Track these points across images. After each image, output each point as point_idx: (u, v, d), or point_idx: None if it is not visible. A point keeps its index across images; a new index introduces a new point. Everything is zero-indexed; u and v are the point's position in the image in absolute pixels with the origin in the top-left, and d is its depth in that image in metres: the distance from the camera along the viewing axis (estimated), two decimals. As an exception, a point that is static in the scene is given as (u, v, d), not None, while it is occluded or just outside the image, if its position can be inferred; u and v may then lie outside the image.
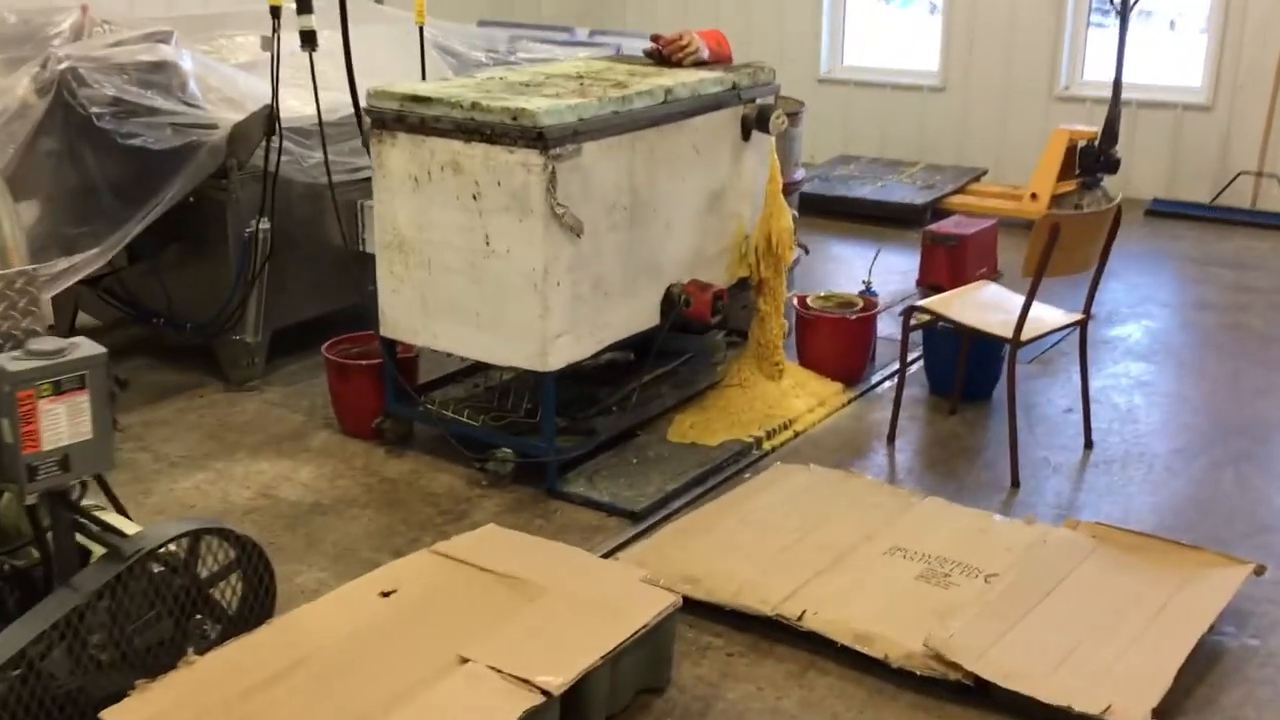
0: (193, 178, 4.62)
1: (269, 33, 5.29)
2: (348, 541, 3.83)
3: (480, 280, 4.04)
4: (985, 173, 8.39)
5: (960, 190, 7.99)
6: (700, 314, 4.39)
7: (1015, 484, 4.20)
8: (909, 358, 5.18)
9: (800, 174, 5.63)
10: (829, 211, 7.83)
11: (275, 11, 4.45)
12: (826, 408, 4.84)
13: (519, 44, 6.29)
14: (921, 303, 4.41)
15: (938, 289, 6.17)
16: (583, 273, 4.02)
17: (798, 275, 6.13)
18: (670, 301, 4.42)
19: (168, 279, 5.08)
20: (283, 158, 4.77)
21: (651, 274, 4.33)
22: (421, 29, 5.36)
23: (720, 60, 4.85)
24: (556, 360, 4.01)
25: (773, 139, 4.68)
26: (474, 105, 3.88)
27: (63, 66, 4.23)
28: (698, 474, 4.24)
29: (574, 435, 4.29)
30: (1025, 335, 4.13)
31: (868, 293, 5.30)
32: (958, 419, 4.79)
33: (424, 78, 5.38)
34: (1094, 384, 5.08)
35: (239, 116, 4.66)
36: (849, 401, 4.93)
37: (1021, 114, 8.53)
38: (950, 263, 6.24)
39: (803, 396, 4.84)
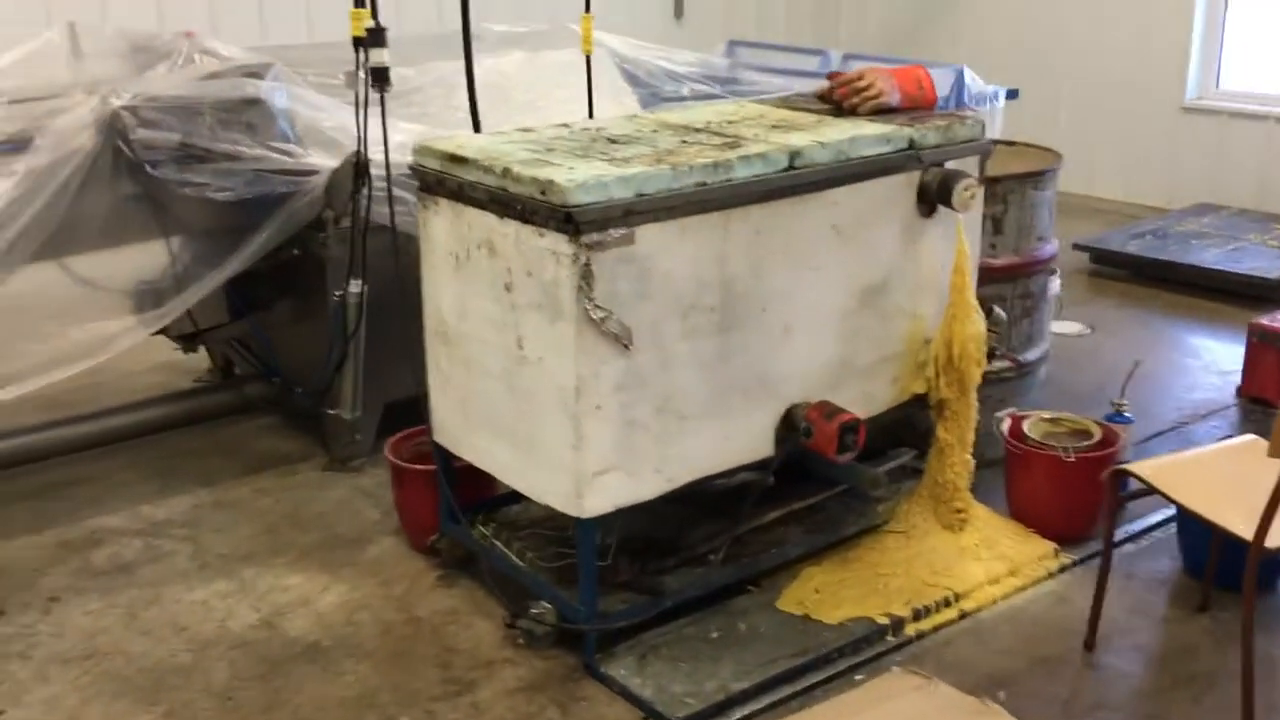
0: (282, 231, 4.05)
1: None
2: (312, 709, 3.08)
3: (514, 391, 3.17)
4: (1391, 238, 6.52)
5: (1345, 261, 6.20)
6: (821, 448, 3.30)
7: (1246, 756, 2.84)
8: (1153, 519, 3.86)
9: (1050, 249, 4.32)
10: (1159, 279, 6.30)
11: (359, 43, 3.76)
12: (1020, 579, 3.58)
13: (739, 73, 5.32)
14: (1132, 466, 3.09)
15: (1264, 405, 4.68)
16: (640, 392, 3.05)
17: (1070, 371, 4.85)
18: (791, 425, 3.36)
19: (278, 338, 4.56)
20: (397, 209, 4.08)
21: (759, 391, 3.29)
22: (589, 59, 4.52)
23: (919, 107, 3.71)
24: (596, 504, 3.07)
25: (961, 217, 3.49)
26: (505, 172, 3.01)
27: (119, 103, 3.73)
28: (788, 668, 3.16)
29: (637, 593, 3.33)
30: (1277, 540, 2.75)
31: (1116, 419, 3.94)
32: (1207, 621, 3.40)
33: (590, 116, 4.55)
34: None
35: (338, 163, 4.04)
36: (1059, 571, 3.64)
37: None
38: (1283, 371, 4.69)
39: (988, 559, 3.61)
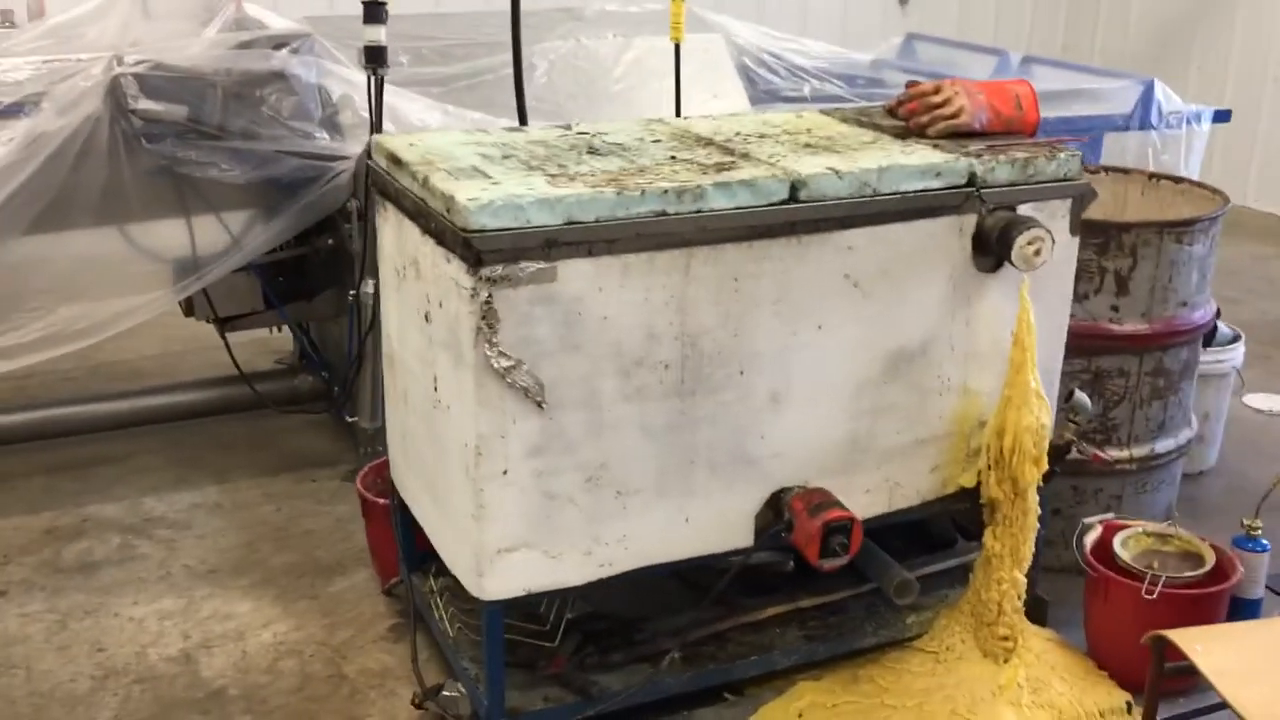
0: (301, 219, 3.72)
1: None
2: (172, 773, 2.73)
3: (434, 439, 2.70)
4: None
5: None
6: (800, 548, 2.67)
7: None
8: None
9: (1201, 316, 3.46)
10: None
11: (371, 13, 3.34)
12: (1067, 736, 2.84)
13: (885, 72, 4.61)
14: (1175, 635, 2.31)
15: None
16: (563, 460, 2.51)
17: (1253, 460, 4.00)
18: (778, 512, 2.74)
19: (322, 332, 4.26)
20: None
21: (734, 469, 2.68)
22: (678, 49, 3.95)
23: (1013, 131, 2.98)
24: (499, 585, 2.56)
25: (1025, 277, 2.75)
26: (425, 182, 2.53)
27: (120, 70, 3.46)
28: (717, 819, 2.58)
29: (568, 689, 2.80)
30: (1342, 778, 1.96)
31: (1245, 545, 3.10)
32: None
33: (678, 113, 4.00)
34: None
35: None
36: (1123, 732, 2.88)
37: None
38: None
39: (1030, 705, 2.88)
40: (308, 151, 3.63)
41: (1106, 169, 3.85)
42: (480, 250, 2.33)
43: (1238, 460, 4.22)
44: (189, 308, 4.04)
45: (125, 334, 4.92)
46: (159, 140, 3.48)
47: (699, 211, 2.49)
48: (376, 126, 3.47)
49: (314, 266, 4.01)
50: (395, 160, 2.71)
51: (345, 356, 4.01)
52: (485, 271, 2.35)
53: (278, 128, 3.61)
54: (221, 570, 3.51)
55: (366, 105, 3.74)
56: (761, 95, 4.39)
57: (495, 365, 2.39)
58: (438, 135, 2.96)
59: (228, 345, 4.08)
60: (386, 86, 3.76)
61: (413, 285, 2.68)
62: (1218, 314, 4.08)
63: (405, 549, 3.11)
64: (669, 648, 2.85)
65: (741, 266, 2.55)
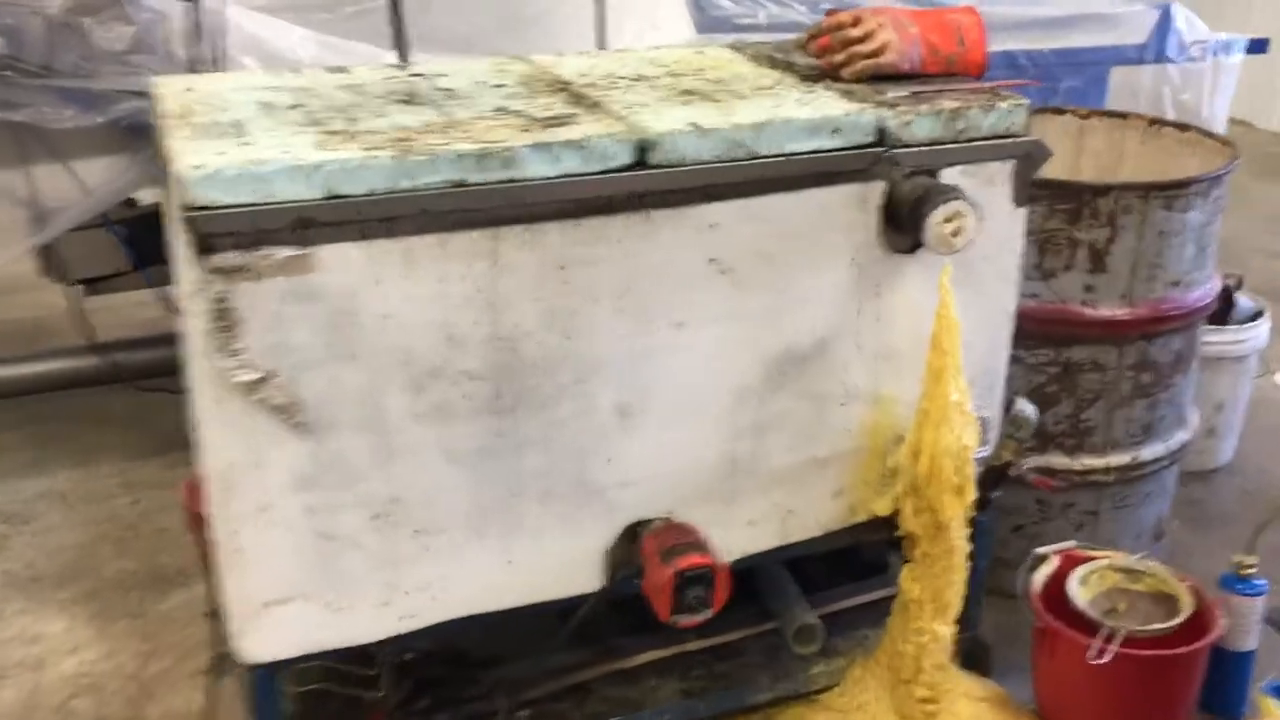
0: (151, 168, 3.20)
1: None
2: None
3: (202, 459, 2.19)
4: None
5: None
6: (650, 597, 2.14)
7: None
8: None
9: (1197, 297, 2.84)
10: None
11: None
12: (992, 829, 2.31)
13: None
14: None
15: None
16: (340, 494, 2.00)
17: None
18: (636, 549, 2.21)
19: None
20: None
21: (573, 500, 2.15)
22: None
23: (955, 71, 2.39)
24: (265, 645, 2.07)
25: (946, 260, 2.17)
26: (163, 143, 2.00)
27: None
28: None
29: (378, 761, 2.31)
30: None
31: (1234, 587, 2.52)
32: None
33: (601, 45, 3.43)
34: None
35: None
36: (1066, 823, 2.34)
37: None
38: None
39: (951, 787, 2.35)
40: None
41: (1099, 113, 3.22)
42: (205, 232, 1.81)
43: (1258, 455, 3.63)
44: (47, 267, 3.56)
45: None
46: (-26, 80, 2.99)
47: (510, 181, 1.94)
48: (217, 64, 2.94)
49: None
50: (159, 113, 2.19)
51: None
52: (216, 260, 1.82)
53: (113, 63, 3.10)
54: (44, 580, 3.06)
55: (220, 35, 3.23)
56: (711, 23, 3.76)
57: (237, 379, 1.88)
58: (231, 78, 2.43)
59: (81, 310, 3.59)
60: (253, 15, 3.26)
61: (181, 269, 2.17)
62: (1238, 284, 3.50)
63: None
64: (501, 708, 2.35)
65: (569, 251, 2.00)
